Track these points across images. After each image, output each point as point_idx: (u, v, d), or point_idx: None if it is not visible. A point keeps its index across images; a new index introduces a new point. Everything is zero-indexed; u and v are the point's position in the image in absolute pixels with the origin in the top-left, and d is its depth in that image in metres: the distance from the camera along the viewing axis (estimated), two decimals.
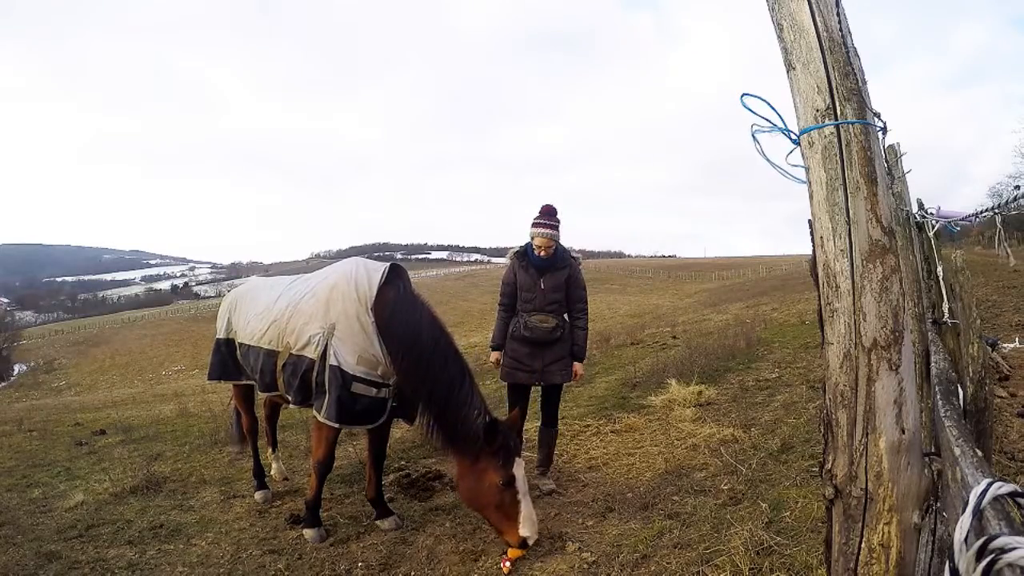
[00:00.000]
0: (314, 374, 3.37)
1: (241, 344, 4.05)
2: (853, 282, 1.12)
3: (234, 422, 4.92)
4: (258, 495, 4.27)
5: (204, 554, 3.46)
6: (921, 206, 3.36)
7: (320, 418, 3.35)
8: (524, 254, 3.99)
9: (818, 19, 1.15)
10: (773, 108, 1.23)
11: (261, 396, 4.28)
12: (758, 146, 1.26)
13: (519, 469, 3.11)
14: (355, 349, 3.31)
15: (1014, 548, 0.65)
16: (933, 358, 2.25)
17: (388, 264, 3.54)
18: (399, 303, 3.36)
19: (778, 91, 1.29)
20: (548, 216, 3.91)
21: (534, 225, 3.91)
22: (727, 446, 4.31)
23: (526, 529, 3.01)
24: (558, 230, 3.92)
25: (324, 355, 3.33)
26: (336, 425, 3.34)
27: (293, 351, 3.50)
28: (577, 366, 3.98)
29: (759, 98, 1.24)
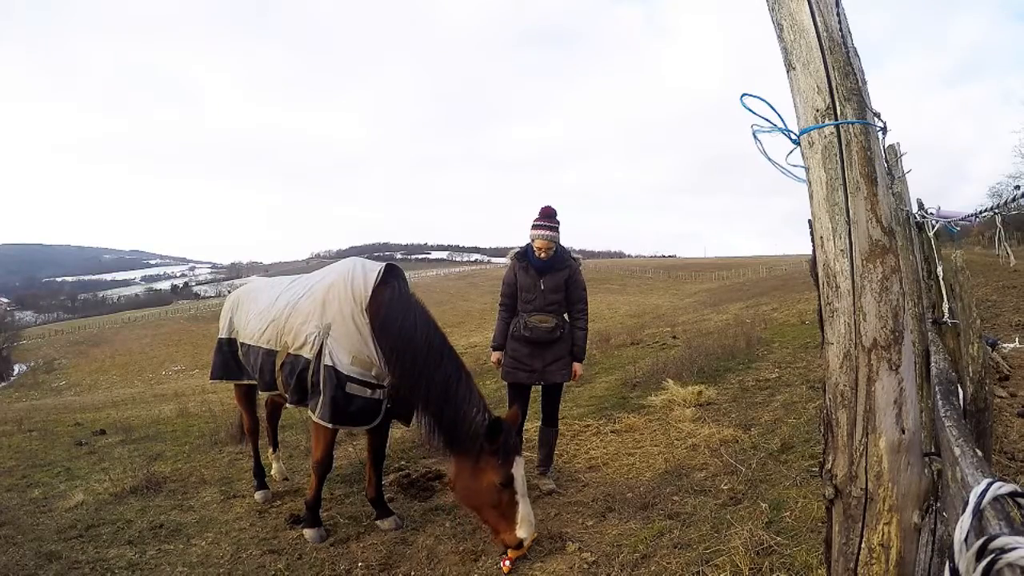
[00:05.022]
0: (310, 373, 3.38)
1: (242, 344, 4.06)
2: (853, 282, 1.12)
3: (239, 421, 4.93)
4: (258, 495, 4.27)
5: (204, 554, 3.46)
6: (921, 206, 3.36)
7: (315, 418, 3.35)
8: (524, 255, 4.00)
9: (818, 19, 1.15)
10: (773, 108, 1.23)
11: (262, 396, 4.28)
12: (759, 145, 1.26)
13: (519, 468, 3.08)
14: (350, 349, 3.30)
15: (1014, 548, 0.65)
16: (933, 358, 2.25)
17: (384, 264, 3.54)
18: (392, 303, 3.35)
19: (778, 91, 1.29)
20: (548, 218, 3.92)
21: (534, 227, 3.91)
22: (727, 446, 4.31)
23: (523, 530, 2.99)
24: (558, 232, 3.93)
25: (319, 355, 3.33)
26: (330, 425, 3.34)
27: (291, 350, 3.51)
28: (576, 366, 3.98)
29: (759, 98, 1.24)
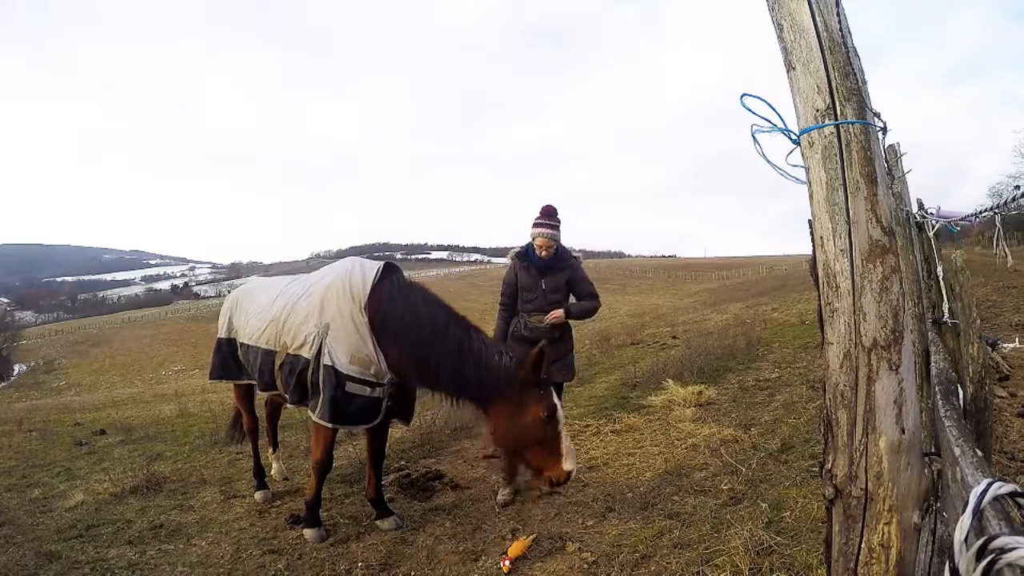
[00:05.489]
0: (309, 373, 3.38)
1: (241, 344, 4.06)
2: (853, 282, 1.12)
3: (231, 420, 4.92)
4: (258, 495, 4.27)
5: (204, 554, 3.46)
6: (921, 206, 3.36)
7: (315, 418, 3.35)
8: (525, 254, 3.99)
9: (818, 19, 1.15)
10: (773, 108, 1.23)
11: (262, 396, 4.28)
12: (758, 147, 1.26)
13: (556, 399, 3.12)
14: (348, 348, 3.30)
15: (1014, 548, 0.65)
16: (933, 358, 2.25)
17: (382, 263, 3.53)
18: (392, 299, 3.36)
19: (778, 91, 1.29)
20: (548, 217, 3.92)
21: (535, 225, 3.91)
22: (727, 446, 4.31)
23: (569, 463, 3.00)
24: (559, 230, 3.92)
25: (319, 355, 3.33)
26: (330, 425, 3.34)
27: (290, 351, 3.51)
28: (558, 312, 3.87)
29: (759, 98, 1.24)
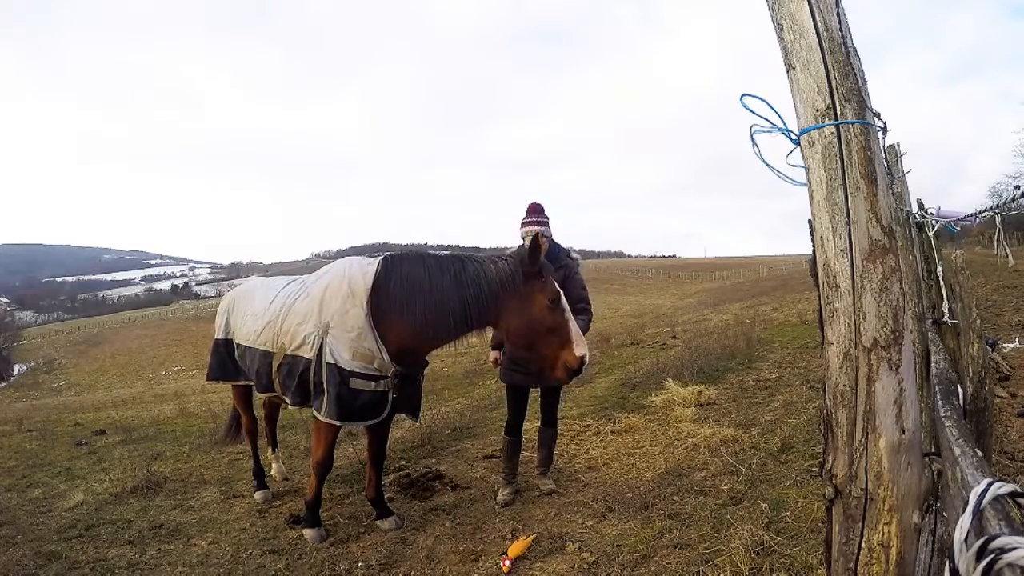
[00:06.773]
0: (311, 374, 3.37)
1: (239, 345, 4.05)
2: (853, 282, 1.12)
3: (230, 421, 4.91)
4: (258, 495, 4.27)
5: (204, 554, 3.46)
6: (921, 206, 3.36)
7: (321, 417, 3.33)
8: None
9: (818, 19, 1.15)
10: (773, 108, 1.23)
11: (260, 396, 4.27)
12: (756, 149, 1.26)
13: (556, 285, 3.22)
14: (349, 345, 3.28)
15: (1014, 548, 0.65)
16: (933, 358, 2.25)
17: (381, 257, 3.50)
18: (392, 282, 3.34)
19: (777, 91, 1.29)
20: (536, 213, 3.87)
21: (523, 224, 3.85)
22: (727, 446, 4.31)
23: (581, 348, 3.11)
24: (548, 226, 3.87)
25: (320, 354, 3.33)
26: (338, 423, 3.32)
27: (288, 352, 3.49)
28: None
29: (759, 98, 1.24)
